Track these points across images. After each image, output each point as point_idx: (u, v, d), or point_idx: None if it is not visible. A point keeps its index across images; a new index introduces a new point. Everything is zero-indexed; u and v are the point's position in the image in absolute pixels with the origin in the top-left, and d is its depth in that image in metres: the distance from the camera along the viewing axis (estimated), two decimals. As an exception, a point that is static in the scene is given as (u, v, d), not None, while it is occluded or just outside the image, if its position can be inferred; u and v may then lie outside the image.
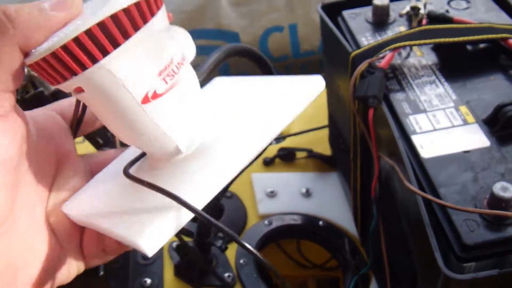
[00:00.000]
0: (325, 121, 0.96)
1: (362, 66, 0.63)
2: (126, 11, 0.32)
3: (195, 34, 1.28)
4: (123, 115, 0.36)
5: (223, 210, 0.90)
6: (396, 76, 0.65)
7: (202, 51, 1.33)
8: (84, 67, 0.33)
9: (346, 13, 0.76)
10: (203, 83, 0.64)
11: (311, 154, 0.98)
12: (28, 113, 0.39)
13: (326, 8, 0.77)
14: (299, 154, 0.99)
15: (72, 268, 0.41)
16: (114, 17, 0.32)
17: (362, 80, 0.63)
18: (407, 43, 0.65)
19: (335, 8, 0.77)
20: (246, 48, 0.73)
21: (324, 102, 0.92)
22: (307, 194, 0.94)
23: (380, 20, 0.73)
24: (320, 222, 0.89)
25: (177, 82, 0.36)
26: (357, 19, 0.75)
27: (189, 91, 0.38)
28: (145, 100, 0.35)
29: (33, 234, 0.38)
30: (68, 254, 0.41)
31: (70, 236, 0.40)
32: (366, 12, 0.75)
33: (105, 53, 0.32)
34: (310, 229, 0.89)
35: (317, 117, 1.01)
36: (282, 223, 0.88)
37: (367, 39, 0.71)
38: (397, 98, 0.62)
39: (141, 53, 0.34)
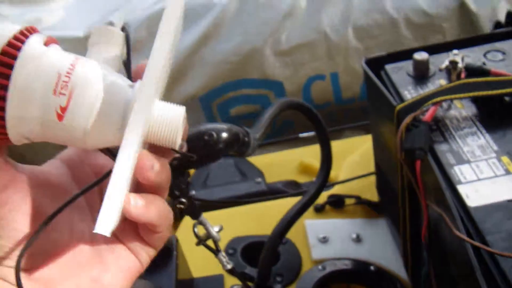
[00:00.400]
0: (371, 168, 1.00)
1: (407, 120, 0.68)
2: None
3: (241, 84, 1.35)
4: (56, 137, 0.39)
5: (279, 256, 0.94)
6: (439, 128, 0.69)
7: (248, 100, 1.39)
8: None
9: (388, 67, 0.81)
10: (260, 138, 0.70)
11: (360, 201, 1.02)
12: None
13: (369, 62, 0.82)
14: (348, 201, 1.03)
15: (143, 257, 0.44)
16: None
17: (408, 132, 0.67)
18: (448, 97, 0.69)
19: (378, 62, 0.82)
20: (297, 102, 0.79)
21: (371, 150, 0.96)
22: (358, 239, 0.98)
23: (421, 74, 0.78)
24: (371, 267, 0.92)
25: (74, 84, 0.38)
26: (399, 73, 0.79)
27: (91, 81, 0.39)
28: (59, 117, 0.38)
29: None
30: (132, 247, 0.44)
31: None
32: (407, 66, 0.80)
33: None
34: (362, 274, 0.92)
35: (364, 164, 1.05)
36: (335, 268, 0.92)
37: (409, 93, 0.75)
38: (442, 149, 0.66)
39: (27, 82, 0.37)
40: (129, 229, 0.43)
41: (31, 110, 0.37)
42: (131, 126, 0.37)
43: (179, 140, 0.40)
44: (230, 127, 0.60)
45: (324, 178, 0.83)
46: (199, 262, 0.92)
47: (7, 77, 0.36)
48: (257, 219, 1.01)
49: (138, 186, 0.41)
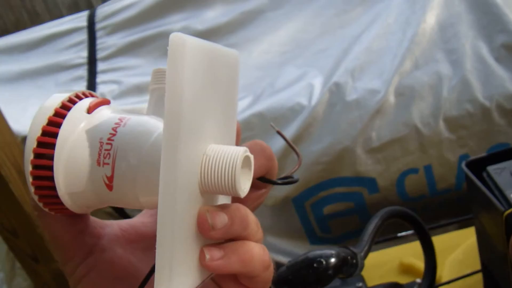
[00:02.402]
0: (476, 265, 0.96)
1: (518, 227, 0.65)
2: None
3: (334, 183, 1.35)
4: (114, 203, 0.37)
5: None
6: (553, 233, 0.66)
7: (342, 198, 1.38)
8: None
9: (491, 169, 0.79)
10: (366, 255, 0.69)
11: (467, 302, 0.98)
12: None
13: (470, 164, 0.80)
14: (455, 302, 0.99)
15: None
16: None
17: (520, 241, 0.65)
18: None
19: (479, 164, 0.80)
20: (398, 211, 0.78)
21: (473, 246, 0.93)
22: None
23: (527, 174, 0.76)
24: None
25: (116, 150, 0.36)
26: (503, 174, 0.77)
27: (133, 145, 0.36)
28: (109, 187, 0.36)
29: None
30: None
31: None
32: (510, 166, 0.78)
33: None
34: None
35: (468, 262, 1.01)
36: None
37: (516, 195, 0.73)
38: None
39: (70, 157, 0.36)
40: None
41: (81, 185, 0.36)
42: (162, 186, 0.33)
43: (242, 185, 0.35)
44: (338, 252, 0.60)
45: (430, 283, 0.81)
46: None
47: (51, 157, 0.36)
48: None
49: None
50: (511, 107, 1.30)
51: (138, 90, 1.53)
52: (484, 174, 0.80)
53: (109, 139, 0.36)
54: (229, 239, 0.36)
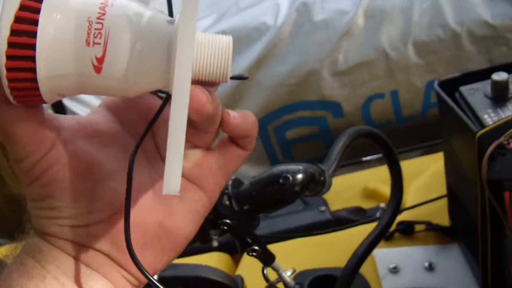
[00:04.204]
0: (441, 190, 0.95)
1: (492, 148, 0.63)
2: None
3: (298, 107, 1.32)
4: (95, 91, 0.36)
5: (349, 290, 0.89)
6: (527, 154, 0.64)
7: (305, 123, 1.35)
8: None
9: (464, 89, 0.76)
10: (334, 173, 0.66)
11: (431, 226, 0.97)
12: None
13: (442, 84, 0.77)
14: (418, 227, 0.98)
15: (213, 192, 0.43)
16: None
17: (492, 162, 0.63)
18: (536, 120, 0.64)
19: (451, 84, 0.77)
20: (367, 131, 0.75)
21: (439, 172, 0.91)
22: (430, 268, 0.92)
23: (500, 95, 0.72)
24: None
25: (108, 29, 0.34)
26: (476, 95, 0.74)
27: (126, 24, 0.35)
28: (97, 69, 0.34)
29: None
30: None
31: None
32: (484, 86, 0.75)
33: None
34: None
35: (433, 187, 1.00)
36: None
37: (489, 116, 0.70)
38: (532, 177, 0.61)
39: (56, 36, 0.33)
40: (202, 165, 0.42)
41: (65, 67, 0.34)
42: (181, 65, 0.33)
43: (230, 71, 0.36)
44: (305, 167, 0.56)
45: (395, 208, 0.79)
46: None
47: (33, 34, 0.33)
48: (324, 251, 0.97)
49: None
50: (482, 33, 1.27)
51: None
52: (457, 95, 0.77)
53: (98, 18, 0.34)
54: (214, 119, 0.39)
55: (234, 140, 0.42)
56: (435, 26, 1.27)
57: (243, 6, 1.39)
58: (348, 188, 1.13)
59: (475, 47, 1.28)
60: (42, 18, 0.33)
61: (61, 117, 0.40)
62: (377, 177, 1.11)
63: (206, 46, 0.35)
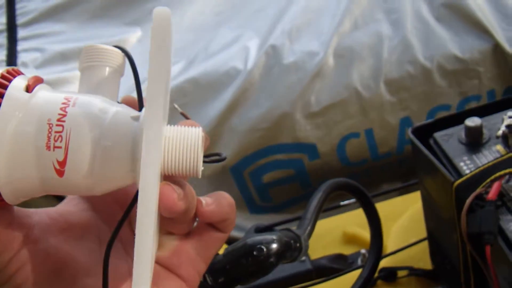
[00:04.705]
0: (421, 232, 0.93)
1: (470, 200, 0.61)
2: None
3: (274, 150, 1.30)
4: (60, 191, 0.35)
5: None
6: (505, 204, 0.63)
7: (281, 166, 1.34)
8: None
9: (438, 135, 0.74)
10: (310, 235, 0.64)
11: (413, 272, 0.95)
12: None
13: (416, 131, 0.76)
14: (401, 273, 0.96)
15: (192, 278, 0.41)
16: None
17: (471, 214, 0.61)
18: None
19: (425, 130, 0.76)
20: (342, 182, 0.73)
21: (418, 213, 0.90)
22: (416, 315, 0.90)
23: (475, 141, 0.71)
24: None
25: (69, 132, 0.33)
26: (450, 141, 0.73)
27: (87, 126, 0.34)
28: (59, 173, 0.33)
29: None
30: None
31: None
32: (458, 132, 0.74)
33: None
34: None
35: (413, 229, 0.98)
36: None
37: (465, 164, 0.69)
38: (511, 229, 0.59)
39: (14, 141, 0.32)
40: (179, 253, 0.40)
41: (26, 172, 0.33)
42: (147, 162, 0.31)
43: (201, 166, 0.35)
44: (279, 236, 0.54)
45: (376, 258, 0.77)
46: None
47: None
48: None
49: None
50: (452, 67, 1.27)
51: (62, 57, 1.43)
52: (431, 141, 0.76)
53: (59, 120, 0.33)
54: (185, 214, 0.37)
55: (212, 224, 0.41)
56: (405, 63, 1.26)
57: (212, 51, 1.37)
58: (328, 233, 1.11)
59: (446, 81, 1.27)
60: (0, 119, 0.32)
61: (32, 213, 0.38)
62: (356, 221, 1.09)
63: (174, 140, 0.34)
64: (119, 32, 1.46)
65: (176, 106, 0.43)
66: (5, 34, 1.50)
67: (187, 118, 0.41)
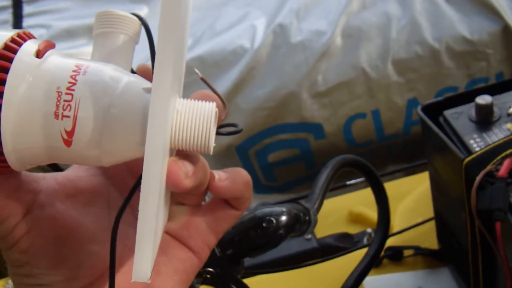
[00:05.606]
0: (428, 212, 0.93)
1: (480, 177, 0.61)
2: None
3: (280, 129, 1.29)
4: (67, 161, 0.34)
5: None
6: (516, 181, 0.62)
7: (287, 145, 1.33)
8: None
9: (448, 113, 0.74)
10: (319, 209, 0.63)
11: (419, 251, 0.95)
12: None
13: (426, 109, 0.75)
14: (407, 252, 0.96)
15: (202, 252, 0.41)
16: None
17: (481, 191, 0.61)
18: (523, 146, 0.62)
19: (435, 108, 0.75)
20: (352, 159, 0.73)
21: (426, 193, 0.89)
22: (421, 294, 0.90)
23: (485, 119, 0.71)
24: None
25: (78, 101, 0.32)
26: (460, 119, 0.73)
27: (98, 95, 0.33)
28: (67, 143, 0.32)
29: None
30: None
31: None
32: (468, 110, 0.73)
33: None
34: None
35: (420, 210, 0.98)
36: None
37: (475, 141, 0.69)
38: (523, 206, 0.59)
39: (22, 108, 0.31)
40: (189, 225, 0.40)
41: (32, 140, 0.32)
42: (151, 137, 0.31)
43: (213, 142, 0.33)
44: (289, 209, 0.54)
45: (383, 237, 0.77)
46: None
47: None
48: (312, 283, 0.95)
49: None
50: (460, 49, 1.26)
51: (68, 34, 1.42)
52: (441, 119, 0.75)
53: (68, 88, 0.32)
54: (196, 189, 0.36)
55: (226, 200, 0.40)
56: (414, 43, 1.26)
57: (219, 29, 1.36)
58: (333, 212, 1.11)
59: (454, 63, 1.27)
60: (8, 89, 0.31)
61: (40, 178, 0.38)
62: (362, 201, 1.09)
63: (185, 114, 0.33)
64: (125, 9, 1.45)
65: (196, 70, 0.42)
66: (10, 10, 1.49)
67: (207, 84, 0.41)
